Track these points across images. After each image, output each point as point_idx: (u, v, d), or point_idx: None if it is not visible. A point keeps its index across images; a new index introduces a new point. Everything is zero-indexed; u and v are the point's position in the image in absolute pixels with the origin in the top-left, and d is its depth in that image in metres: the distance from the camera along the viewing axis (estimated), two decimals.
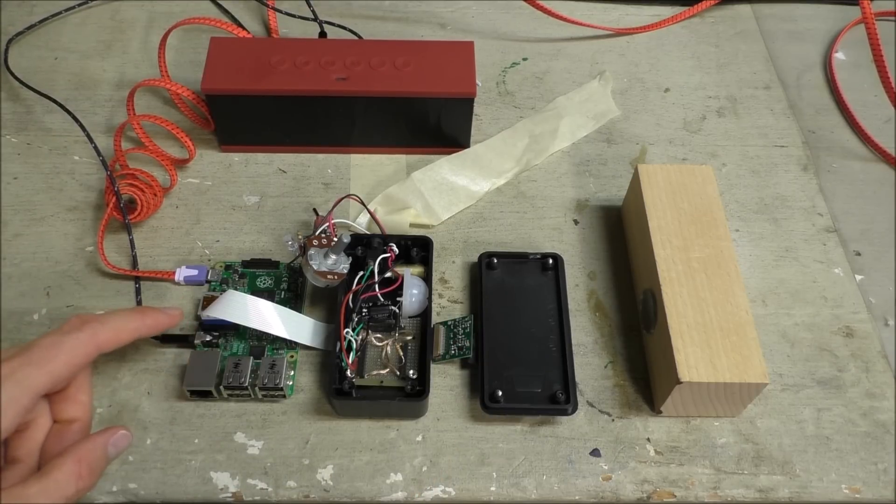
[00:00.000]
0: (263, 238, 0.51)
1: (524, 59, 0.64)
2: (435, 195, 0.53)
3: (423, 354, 0.45)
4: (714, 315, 0.43)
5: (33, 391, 0.34)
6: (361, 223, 0.51)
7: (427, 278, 0.47)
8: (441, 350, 0.46)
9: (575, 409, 0.43)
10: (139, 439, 0.43)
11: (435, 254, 0.49)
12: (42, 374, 0.34)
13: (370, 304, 0.46)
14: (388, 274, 0.46)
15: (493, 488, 0.42)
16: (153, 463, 0.42)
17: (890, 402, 0.46)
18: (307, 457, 0.42)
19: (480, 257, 0.49)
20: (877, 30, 0.56)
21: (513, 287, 0.48)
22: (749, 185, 0.56)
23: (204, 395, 0.44)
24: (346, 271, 0.46)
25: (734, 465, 0.43)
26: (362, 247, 0.47)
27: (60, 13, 0.65)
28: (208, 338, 0.46)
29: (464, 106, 0.53)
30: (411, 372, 0.44)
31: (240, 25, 0.63)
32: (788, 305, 0.50)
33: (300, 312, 0.46)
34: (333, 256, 0.45)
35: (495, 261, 0.49)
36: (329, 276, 0.45)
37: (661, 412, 0.44)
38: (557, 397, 0.43)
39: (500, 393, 0.43)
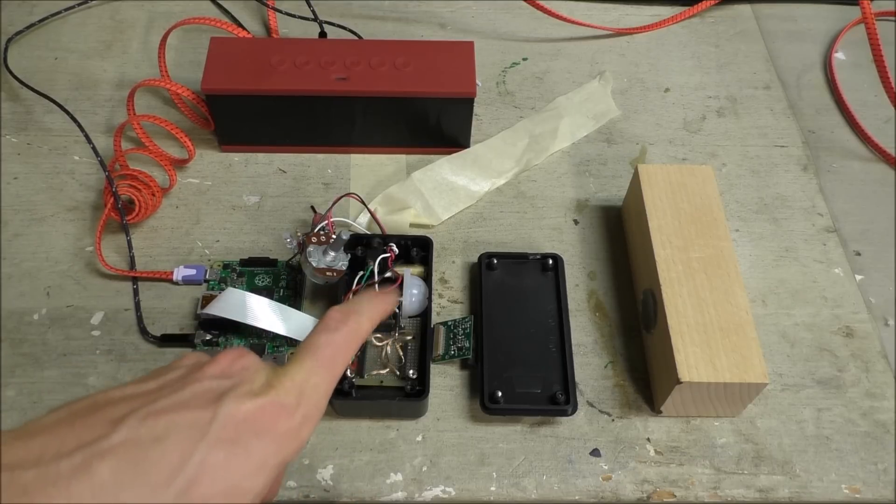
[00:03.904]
0: (263, 238, 0.51)
1: (524, 59, 0.64)
2: (435, 195, 0.53)
3: (423, 354, 0.45)
4: (714, 315, 0.43)
5: (327, 396, 0.31)
6: (361, 223, 0.51)
7: (427, 278, 0.47)
8: (441, 350, 0.46)
9: (575, 409, 0.43)
10: None
11: (435, 254, 0.49)
12: (332, 378, 0.31)
13: None
14: (388, 274, 0.46)
15: (493, 488, 0.42)
16: None
17: (890, 402, 0.46)
18: (307, 457, 0.42)
19: (480, 257, 0.49)
20: (877, 30, 0.56)
21: (513, 287, 0.48)
22: (749, 185, 0.56)
23: None
24: (344, 268, 0.45)
25: (734, 465, 0.43)
26: (362, 247, 0.47)
27: (60, 13, 0.65)
28: (208, 336, 0.46)
29: (464, 106, 0.53)
30: (411, 372, 0.44)
31: (240, 25, 0.63)
32: (788, 305, 0.50)
33: (299, 310, 0.46)
34: (332, 253, 0.45)
35: (495, 261, 0.49)
36: (328, 273, 0.45)
37: (661, 412, 0.44)
38: (557, 398, 0.43)
39: (499, 393, 0.43)
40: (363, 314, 0.33)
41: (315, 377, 0.29)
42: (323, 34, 0.62)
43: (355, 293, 0.45)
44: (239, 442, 0.26)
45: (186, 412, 0.26)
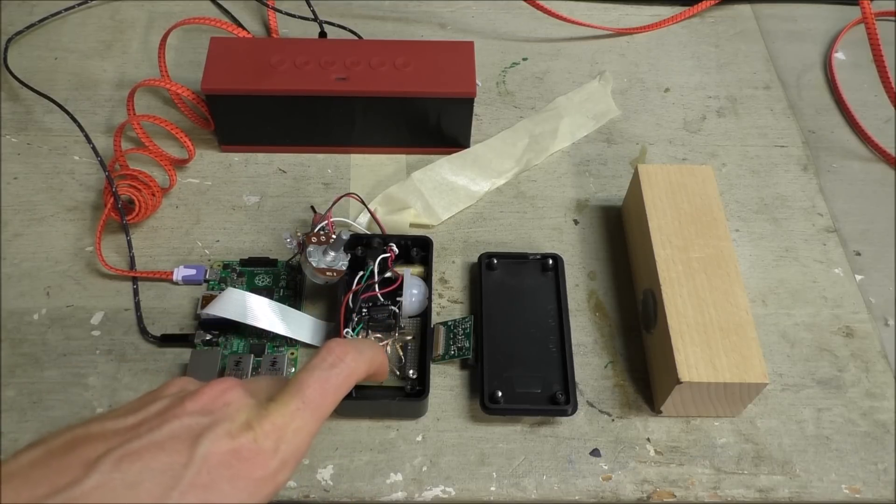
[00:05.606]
0: (263, 238, 0.51)
1: (524, 59, 0.64)
2: (435, 195, 0.53)
3: (422, 354, 0.45)
4: (714, 315, 0.43)
5: (310, 439, 0.30)
6: (361, 223, 0.51)
7: (427, 278, 0.47)
8: (441, 350, 0.46)
9: (575, 409, 0.43)
10: None
11: (435, 254, 0.49)
12: (318, 420, 0.30)
13: (370, 304, 0.46)
14: (388, 274, 0.46)
15: (493, 488, 0.42)
16: None
17: (890, 402, 0.46)
18: (307, 456, 0.42)
19: (480, 257, 0.49)
20: (877, 30, 0.56)
21: (513, 287, 0.48)
22: (749, 185, 0.56)
23: None
24: (344, 268, 0.45)
25: (734, 465, 0.43)
26: (362, 247, 0.47)
27: (60, 13, 0.65)
28: (208, 337, 0.46)
29: (464, 106, 0.53)
30: (411, 372, 0.44)
31: (240, 25, 0.63)
32: (788, 305, 0.50)
33: (299, 310, 0.46)
34: (332, 253, 0.45)
35: (495, 261, 0.49)
36: (328, 273, 0.45)
37: (661, 412, 0.44)
38: (557, 398, 0.43)
39: (499, 394, 0.43)
40: (364, 353, 0.33)
41: (298, 420, 0.29)
42: (323, 34, 0.62)
43: (355, 293, 0.45)
44: (212, 488, 0.26)
45: (162, 455, 0.26)
